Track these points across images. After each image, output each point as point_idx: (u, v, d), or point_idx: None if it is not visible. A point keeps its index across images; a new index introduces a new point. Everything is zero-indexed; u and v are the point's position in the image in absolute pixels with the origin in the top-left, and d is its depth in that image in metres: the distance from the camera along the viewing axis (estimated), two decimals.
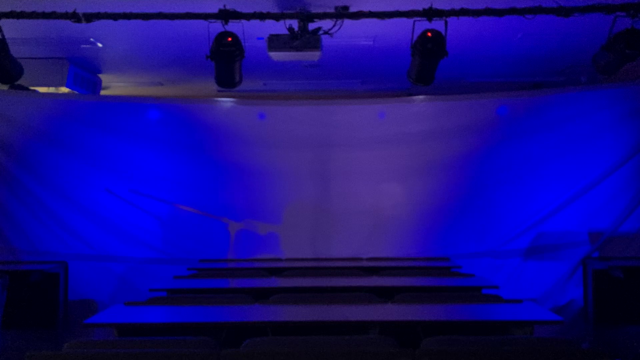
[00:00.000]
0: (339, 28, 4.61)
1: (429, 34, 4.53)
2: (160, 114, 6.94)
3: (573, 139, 6.44)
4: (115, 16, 4.46)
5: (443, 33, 4.51)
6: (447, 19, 4.44)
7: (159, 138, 6.86)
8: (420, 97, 6.94)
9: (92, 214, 6.65)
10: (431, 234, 6.67)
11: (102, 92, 7.54)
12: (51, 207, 6.56)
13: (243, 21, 4.48)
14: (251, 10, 4.46)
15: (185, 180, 6.86)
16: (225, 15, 4.44)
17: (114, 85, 7.71)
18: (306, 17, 4.57)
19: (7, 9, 4.48)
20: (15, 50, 4.75)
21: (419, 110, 6.87)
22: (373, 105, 6.95)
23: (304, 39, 4.67)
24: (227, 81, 4.91)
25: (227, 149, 6.82)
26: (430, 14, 4.42)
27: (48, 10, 4.48)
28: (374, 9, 4.48)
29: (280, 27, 4.65)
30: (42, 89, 7.03)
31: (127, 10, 4.47)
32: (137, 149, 6.80)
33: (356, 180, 6.78)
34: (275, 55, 5.08)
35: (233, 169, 6.83)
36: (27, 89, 6.74)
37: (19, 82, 5.42)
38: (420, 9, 4.42)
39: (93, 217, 6.66)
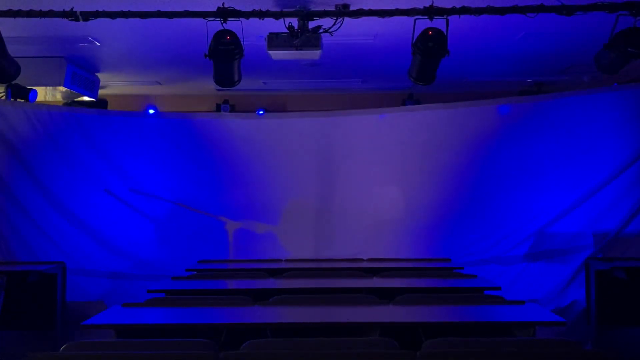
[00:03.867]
0: (339, 26, 4.57)
1: (430, 33, 4.49)
2: (161, 124, 6.98)
3: (576, 142, 6.39)
4: (113, 15, 4.43)
5: (444, 31, 4.47)
6: (449, 17, 4.41)
7: (159, 144, 6.87)
8: (422, 105, 6.94)
9: (89, 222, 6.64)
10: (433, 239, 6.63)
11: (100, 91, 7.51)
12: (49, 216, 6.54)
13: (242, 19, 4.45)
14: (250, 9, 4.43)
15: (184, 181, 6.85)
16: (224, 13, 4.40)
17: (112, 84, 7.68)
18: (306, 15, 4.54)
19: (4, 8, 4.45)
20: (12, 49, 4.72)
21: (420, 117, 6.85)
22: (374, 115, 6.94)
23: (303, 37, 4.63)
24: (226, 80, 4.88)
25: (227, 149, 6.80)
26: (431, 12, 4.39)
27: (45, 8, 4.45)
28: (374, 7, 4.45)
29: (279, 26, 4.61)
30: (40, 89, 7.01)
31: (125, 9, 4.44)
32: (135, 152, 6.79)
33: (356, 182, 6.76)
34: (275, 54, 5.05)
35: (232, 169, 6.81)
36: (24, 88, 6.71)
37: (16, 81, 5.40)
38: (421, 7, 4.39)
39: (91, 224, 6.65)
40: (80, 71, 6.73)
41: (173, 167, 6.89)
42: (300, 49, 4.81)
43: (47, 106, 6.94)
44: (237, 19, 4.44)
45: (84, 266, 6.50)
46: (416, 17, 4.44)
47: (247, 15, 4.42)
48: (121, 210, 6.75)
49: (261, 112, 7.85)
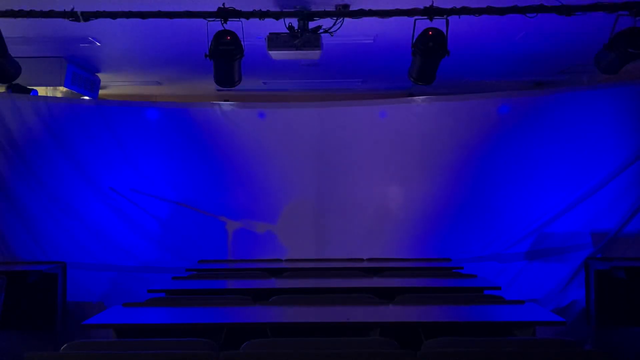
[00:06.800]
0: (340, 27, 4.58)
1: (430, 33, 4.49)
2: (159, 115, 6.95)
3: (577, 139, 6.38)
4: (113, 15, 4.43)
5: (444, 32, 4.47)
6: (448, 18, 4.41)
7: (158, 139, 6.86)
8: (422, 97, 6.91)
9: (89, 219, 6.64)
10: (433, 236, 6.62)
11: (101, 92, 7.51)
12: (49, 212, 6.53)
13: (242, 20, 4.45)
14: (250, 9, 4.43)
15: (184, 181, 6.85)
16: (225, 13, 4.41)
17: (112, 84, 7.68)
18: (306, 15, 4.54)
19: (4, 8, 4.45)
20: (13, 50, 4.71)
21: (420, 110, 6.83)
22: (374, 106, 6.93)
23: (304, 37, 4.63)
24: (226, 80, 4.88)
25: (227, 148, 6.80)
26: (431, 12, 4.39)
27: (46, 9, 4.44)
28: (374, 7, 4.45)
29: (280, 26, 4.61)
30: (40, 89, 7.02)
31: (126, 9, 4.44)
32: (136, 151, 6.79)
33: (357, 180, 6.76)
34: (275, 54, 5.05)
35: (232, 168, 6.81)
36: (25, 88, 6.71)
37: (17, 81, 5.40)
38: (422, 7, 4.39)
39: (91, 222, 6.64)
40: (81, 71, 6.73)
41: (171, 160, 6.88)
42: (301, 49, 4.81)
43: (45, 97, 6.93)
44: (238, 19, 4.44)
45: (85, 263, 6.50)
46: (416, 17, 4.44)
47: (248, 15, 4.43)
48: (121, 208, 6.75)
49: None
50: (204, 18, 4.43)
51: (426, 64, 4.72)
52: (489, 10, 4.38)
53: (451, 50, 4.55)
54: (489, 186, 6.58)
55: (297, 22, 4.60)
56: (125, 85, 7.84)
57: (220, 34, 4.52)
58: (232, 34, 4.52)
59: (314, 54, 4.98)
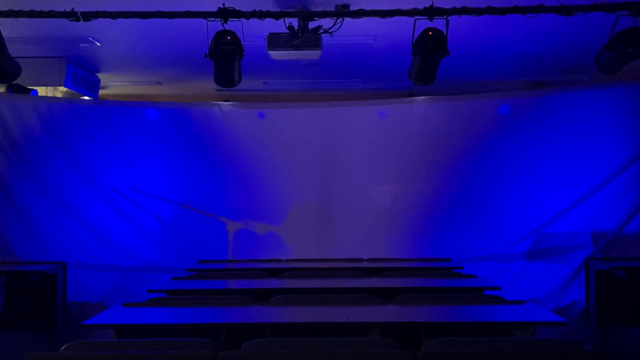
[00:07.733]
0: (340, 27, 4.58)
1: (430, 33, 4.50)
2: (159, 115, 6.95)
3: (577, 139, 6.39)
4: (113, 15, 4.44)
5: (444, 32, 4.48)
6: (449, 18, 4.41)
7: (158, 139, 6.86)
8: (422, 97, 6.91)
9: (90, 219, 6.63)
10: (433, 236, 6.63)
11: (101, 92, 7.51)
12: (49, 212, 6.53)
13: (242, 20, 4.45)
14: (250, 9, 4.43)
15: (184, 182, 6.85)
16: (225, 13, 4.41)
17: (112, 84, 7.67)
18: (306, 15, 4.54)
19: (4, 8, 4.46)
20: (13, 50, 4.72)
21: (420, 110, 6.84)
22: (374, 106, 6.93)
23: (304, 37, 4.64)
24: (226, 80, 4.88)
25: (227, 149, 6.80)
26: (431, 12, 4.39)
27: (46, 9, 4.45)
28: (374, 7, 4.45)
29: (280, 26, 4.61)
30: (40, 89, 7.02)
31: (126, 9, 4.44)
32: (136, 151, 6.79)
33: (357, 180, 6.76)
34: (275, 54, 5.05)
35: (232, 169, 6.81)
36: (25, 88, 6.71)
37: (16, 81, 5.40)
38: (422, 7, 4.39)
39: (91, 222, 6.64)
40: (81, 71, 6.73)
41: (171, 161, 6.88)
42: (301, 49, 4.81)
43: (45, 98, 6.94)
44: (238, 19, 4.44)
45: (85, 263, 6.50)
46: (416, 17, 4.44)
47: (248, 15, 4.43)
48: (121, 208, 6.75)
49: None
50: (204, 18, 4.44)
51: (426, 64, 4.72)
52: (489, 10, 4.38)
53: (451, 50, 4.55)
54: (489, 186, 6.58)
55: (297, 22, 4.60)
56: (125, 85, 7.84)
57: (220, 34, 4.52)
58: (232, 34, 4.52)
59: (314, 54, 4.98)
